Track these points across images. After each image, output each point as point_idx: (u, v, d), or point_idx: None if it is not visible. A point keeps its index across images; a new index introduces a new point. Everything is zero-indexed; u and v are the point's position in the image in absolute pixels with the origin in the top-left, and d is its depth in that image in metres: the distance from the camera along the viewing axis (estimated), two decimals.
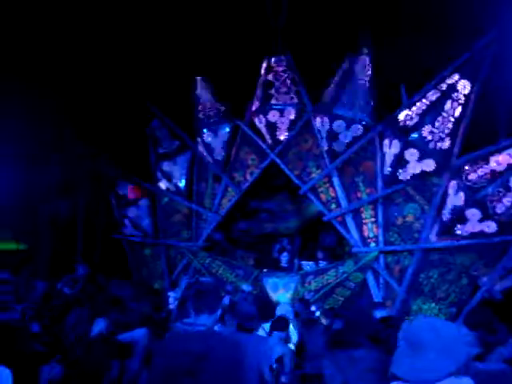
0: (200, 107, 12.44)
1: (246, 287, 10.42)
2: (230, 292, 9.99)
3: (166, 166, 12.91)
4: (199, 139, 12.52)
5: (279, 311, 7.69)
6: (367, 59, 10.49)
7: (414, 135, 9.64)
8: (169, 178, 12.89)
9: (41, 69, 11.21)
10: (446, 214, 9.42)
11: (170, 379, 3.46)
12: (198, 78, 12.41)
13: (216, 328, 5.23)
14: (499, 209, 8.79)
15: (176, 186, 12.86)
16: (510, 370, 3.85)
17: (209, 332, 3.66)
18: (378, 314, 7.07)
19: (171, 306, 8.74)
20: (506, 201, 8.71)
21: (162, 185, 13.05)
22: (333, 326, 6.79)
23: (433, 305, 9.62)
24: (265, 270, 11.82)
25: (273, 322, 6.42)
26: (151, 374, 3.62)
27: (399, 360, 2.80)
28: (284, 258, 12.33)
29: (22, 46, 10.93)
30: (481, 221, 8.99)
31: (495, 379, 3.60)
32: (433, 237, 9.66)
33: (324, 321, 8.40)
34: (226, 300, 8.36)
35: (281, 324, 6.31)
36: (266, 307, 6.99)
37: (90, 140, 12.31)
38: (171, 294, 9.55)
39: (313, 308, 9.18)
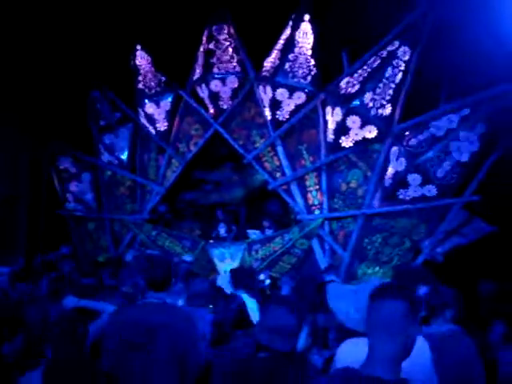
0: (140, 78, 12.16)
1: (187, 258, 10.39)
2: (181, 263, 9.94)
3: (108, 139, 12.64)
4: (141, 110, 12.28)
5: (219, 282, 7.66)
6: (309, 26, 10.45)
7: (356, 102, 9.69)
8: (111, 150, 12.63)
9: None
10: (388, 180, 9.60)
11: (124, 349, 3.45)
12: (138, 47, 12.11)
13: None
14: (439, 173, 9.02)
15: (119, 158, 12.63)
16: (460, 329, 3.96)
17: (163, 305, 3.65)
18: (328, 277, 7.16)
19: None
20: (446, 165, 8.93)
21: (105, 158, 12.78)
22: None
23: (377, 268, 9.84)
24: (211, 241, 11.83)
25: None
26: (107, 344, 3.59)
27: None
28: (221, 229, 12.33)
29: None
30: (422, 185, 9.21)
31: (446, 341, 3.69)
32: (376, 202, 9.84)
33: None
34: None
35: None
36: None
37: (29, 114, 11.92)
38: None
39: (261, 276, 9.21)
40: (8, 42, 10.93)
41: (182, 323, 3.56)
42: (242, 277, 6.29)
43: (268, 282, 9.20)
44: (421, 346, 2.91)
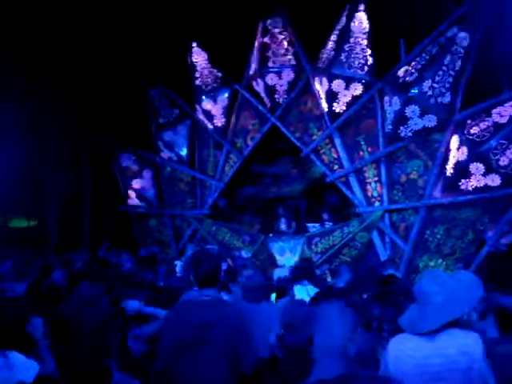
0: (197, 74, 12.31)
1: (244, 254, 10.44)
2: (237, 258, 10.00)
3: (167, 136, 12.83)
4: (198, 107, 12.41)
5: (276, 274, 7.66)
6: (365, 15, 10.30)
7: (414, 91, 9.52)
8: (170, 147, 12.82)
9: (37, 42, 11.09)
10: (449, 170, 9.36)
11: (177, 349, 3.49)
12: (193, 44, 12.22)
13: (223, 297, 5.27)
14: (502, 162, 8.73)
15: (178, 155, 12.80)
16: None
17: (214, 301, 3.65)
18: (386, 271, 7.05)
19: (179, 275, 8.76)
20: (509, 153, 8.63)
21: (164, 155, 12.98)
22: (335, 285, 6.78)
23: (439, 261, 9.61)
24: (271, 235, 11.84)
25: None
26: (160, 345, 3.64)
27: (405, 314, 2.92)
28: (282, 225, 12.33)
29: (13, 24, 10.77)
30: (484, 175, 8.93)
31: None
32: (437, 193, 9.61)
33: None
34: (224, 266, 8.33)
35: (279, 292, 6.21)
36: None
37: (90, 113, 12.22)
38: (178, 262, 9.60)
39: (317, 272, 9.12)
40: (73, 43, 11.23)
41: (233, 319, 3.57)
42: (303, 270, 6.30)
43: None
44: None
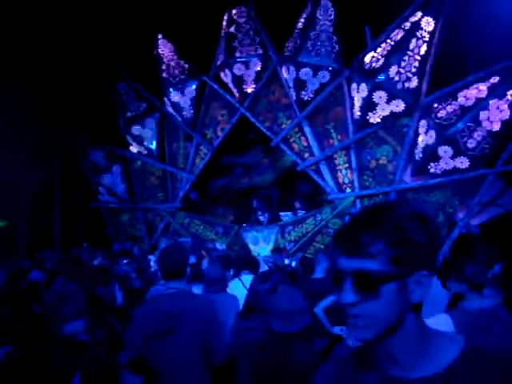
0: (164, 66, 12.19)
1: (219, 245, 10.44)
2: (211, 250, 9.99)
3: (136, 130, 12.72)
4: (166, 99, 12.33)
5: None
6: (329, 3, 10.30)
7: (381, 77, 9.54)
8: (140, 141, 12.72)
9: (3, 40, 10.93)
10: (418, 154, 9.45)
11: (148, 340, 3.50)
12: (159, 36, 12.11)
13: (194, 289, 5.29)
14: (470, 144, 8.83)
15: (148, 148, 12.72)
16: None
17: (181, 293, 3.67)
18: None
19: (152, 270, 8.72)
20: (477, 135, 8.74)
21: (134, 149, 12.88)
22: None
23: None
24: (244, 225, 11.85)
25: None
26: (130, 337, 3.63)
27: None
28: (260, 217, 12.36)
29: None
30: (453, 157, 9.04)
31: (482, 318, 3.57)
32: (407, 177, 9.72)
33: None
34: (192, 259, 8.32)
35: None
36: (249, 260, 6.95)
37: (58, 110, 12.05)
38: (151, 257, 9.54)
39: (286, 261, 9.12)
40: (39, 39, 11.07)
41: (201, 310, 3.60)
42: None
43: (294, 263, 9.13)
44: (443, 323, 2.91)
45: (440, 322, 2.91)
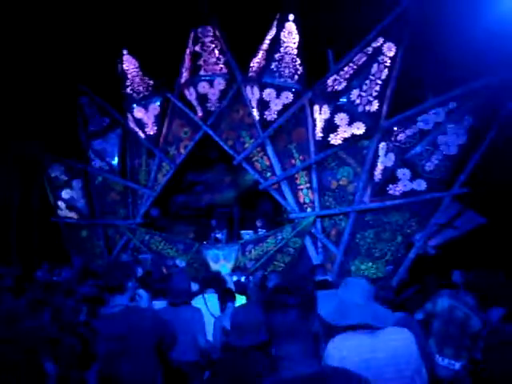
0: (128, 82, 12.18)
1: (179, 262, 10.42)
2: (171, 267, 9.97)
3: (98, 144, 12.65)
4: (129, 115, 12.30)
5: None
6: (294, 25, 10.49)
7: (343, 99, 9.74)
8: (101, 156, 12.64)
9: None
10: (377, 176, 9.65)
11: (108, 358, 3.58)
12: (124, 52, 12.12)
13: (152, 304, 5.31)
14: (428, 167, 9.09)
15: (109, 164, 12.64)
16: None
17: (126, 312, 3.74)
18: (318, 277, 7.17)
19: None
20: (434, 159, 9.00)
21: (95, 164, 12.78)
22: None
23: (370, 264, 9.89)
24: (205, 243, 11.85)
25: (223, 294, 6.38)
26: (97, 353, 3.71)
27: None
28: (218, 235, 12.38)
29: None
30: (411, 180, 9.28)
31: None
32: (366, 198, 9.89)
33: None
34: (139, 272, 8.27)
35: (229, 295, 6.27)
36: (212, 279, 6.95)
37: (19, 122, 11.90)
38: None
39: (234, 278, 9.15)
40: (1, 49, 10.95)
41: (146, 327, 3.69)
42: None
43: (243, 278, 9.16)
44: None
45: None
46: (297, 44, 10.47)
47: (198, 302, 5.75)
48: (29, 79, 11.58)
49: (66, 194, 12.93)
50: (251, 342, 3.24)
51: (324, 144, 10.18)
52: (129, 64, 12.19)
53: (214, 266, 11.23)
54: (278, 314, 2.16)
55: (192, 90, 11.44)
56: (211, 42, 11.24)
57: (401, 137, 9.35)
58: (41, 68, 11.48)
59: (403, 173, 9.28)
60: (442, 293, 5.02)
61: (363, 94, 9.56)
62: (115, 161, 12.60)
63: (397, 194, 9.47)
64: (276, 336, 2.18)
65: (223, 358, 3.35)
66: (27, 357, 4.05)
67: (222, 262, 11.23)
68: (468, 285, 4.96)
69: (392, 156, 9.40)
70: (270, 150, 10.86)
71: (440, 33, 8.80)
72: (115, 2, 11.05)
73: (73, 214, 12.95)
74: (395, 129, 9.44)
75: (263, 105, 10.66)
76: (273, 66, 10.49)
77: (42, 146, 12.57)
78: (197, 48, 11.29)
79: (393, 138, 9.43)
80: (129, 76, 12.19)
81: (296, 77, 10.53)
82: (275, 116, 10.69)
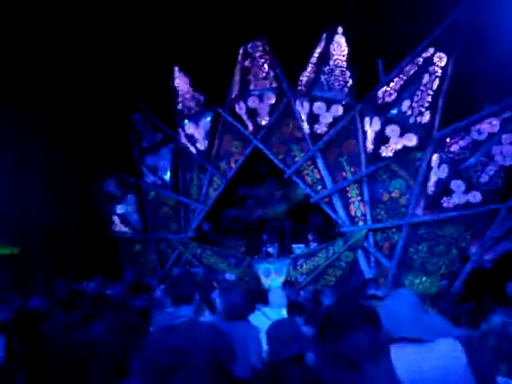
0: (179, 98, 12.40)
1: (228, 276, 10.43)
2: (222, 281, 9.97)
3: (150, 160, 12.90)
4: (181, 131, 12.48)
5: (272, 296, 7.64)
6: (343, 38, 10.46)
7: (394, 111, 9.62)
8: (154, 171, 12.87)
9: (21, 75, 11.21)
10: (430, 188, 9.44)
11: (158, 374, 3.48)
12: (176, 68, 12.34)
13: (206, 317, 5.27)
14: (483, 178, 8.82)
15: (162, 179, 12.86)
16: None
17: (189, 324, 3.65)
18: (371, 291, 7.07)
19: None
20: (489, 170, 8.73)
21: (148, 179, 13.01)
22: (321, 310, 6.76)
23: (424, 278, 9.66)
24: (256, 257, 11.84)
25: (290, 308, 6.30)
26: (141, 368, 3.63)
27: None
28: (269, 248, 12.34)
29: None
30: (466, 192, 9.02)
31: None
32: (419, 211, 9.69)
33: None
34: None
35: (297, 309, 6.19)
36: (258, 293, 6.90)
37: (75, 140, 12.24)
38: (162, 287, 9.51)
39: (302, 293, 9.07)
40: (58, 71, 11.32)
41: (209, 342, 3.56)
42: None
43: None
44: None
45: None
46: (346, 56, 10.42)
47: (257, 317, 5.66)
48: (87, 97, 11.93)
49: (120, 208, 13.21)
50: (287, 354, 3.22)
51: (375, 156, 10.05)
52: (180, 80, 12.40)
53: (265, 280, 11.21)
54: (351, 337, 2.10)
55: (242, 104, 11.52)
56: (261, 56, 11.32)
57: (454, 148, 9.12)
58: (97, 86, 11.80)
59: (457, 185, 9.04)
60: (496, 310, 4.88)
61: (414, 104, 9.42)
62: (167, 176, 12.81)
63: (451, 206, 9.22)
64: (354, 359, 2.10)
65: (260, 371, 3.33)
66: (76, 368, 4.11)
67: (273, 275, 11.20)
68: None
69: (445, 168, 9.18)
70: (320, 163, 10.81)
71: (493, 40, 8.61)
72: (166, 21, 11.28)
73: (127, 229, 13.20)
74: (448, 140, 9.23)
75: (313, 118, 10.63)
76: (322, 79, 10.47)
77: (98, 161, 12.85)
78: (246, 63, 11.39)
79: (446, 149, 9.22)
80: (180, 92, 12.40)
81: (346, 89, 10.47)
82: (325, 129, 10.64)
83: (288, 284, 9.33)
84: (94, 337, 4.96)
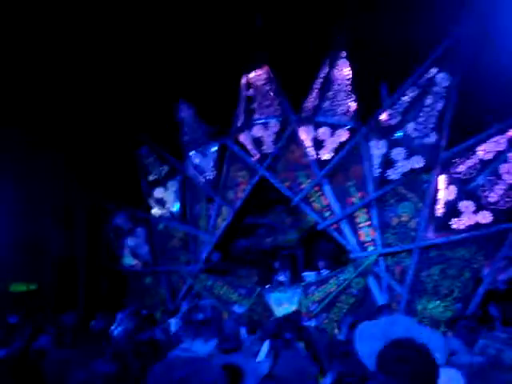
0: (185, 130, 12.43)
1: (237, 309, 10.28)
2: (230, 313, 9.84)
3: (158, 193, 12.88)
4: (188, 162, 12.47)
5: None
6: (346, 63, 10.45)
7: (399, 134, 9.56)
8: (162, 203, 12.84)
9: (31, 107, 11.35)
10: (439, 209, 9.30)
11: None
12: (181, 100, 12.40)
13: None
14: (492, 198, 8.68)
15: (170, 211, 12.80)
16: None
17: (193, 357, 3.54)
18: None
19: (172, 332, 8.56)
20: (498, 189, 8.59)
21: (156, 211, 12.97)
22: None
23: (437, 302, 9.43)
24: (267, 286, 11.68)
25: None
26: None
27: None
28: (280, 277, 12.19)
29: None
30: (475, 212, 8.87)
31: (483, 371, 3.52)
32: (430, 234, 9.51)
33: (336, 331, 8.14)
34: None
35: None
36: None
37: (84, 175, 12.32)
38: (172, 320, 9.39)
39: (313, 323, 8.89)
40: (64, 106, 11.45)
41: (207, 375, 3.45)
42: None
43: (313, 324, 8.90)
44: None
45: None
46: (349, 81, 10.39)
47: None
48: (93, 132, 12.04)
49: (130, 241, 13.16)
50: None
51: (382, 180, 9.95)
52: (185, 112, 12.45)
53: (277, 310, 11.02)
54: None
55: (247, 133, 11.51)
56: (264, 84, 11.33)
57: (461, 168, 9.02)
58: (104, 120, 11.91)
59: (466, 205, 8.90)
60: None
61: (419, 126, 9.38)
62: (176, 208, 12.76)
63: (461, 227, 9.06)
64: None
65: None
66: None
67: (285, 305, 10.99)
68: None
69: (453, 188, 9.06)
70: (327, 189, 10.71)
71: (497, 57, 8.56)
72: (170, 56, 11.41)
73: (136, 262, 13.12)
74: (455, 160, 9.12)
75: (318, 144, 10.59)
76: (326, 105, 10.46)
77: (106, 195, 12.89)
78: (250, 92, 11.41)
79: (453, 170, 9.11)
80: (186, 123, 12.43)
81: (350, 113, 10.42)
82: (331, 155, 10.56)
83: (296, 313, 9.19)
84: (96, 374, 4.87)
